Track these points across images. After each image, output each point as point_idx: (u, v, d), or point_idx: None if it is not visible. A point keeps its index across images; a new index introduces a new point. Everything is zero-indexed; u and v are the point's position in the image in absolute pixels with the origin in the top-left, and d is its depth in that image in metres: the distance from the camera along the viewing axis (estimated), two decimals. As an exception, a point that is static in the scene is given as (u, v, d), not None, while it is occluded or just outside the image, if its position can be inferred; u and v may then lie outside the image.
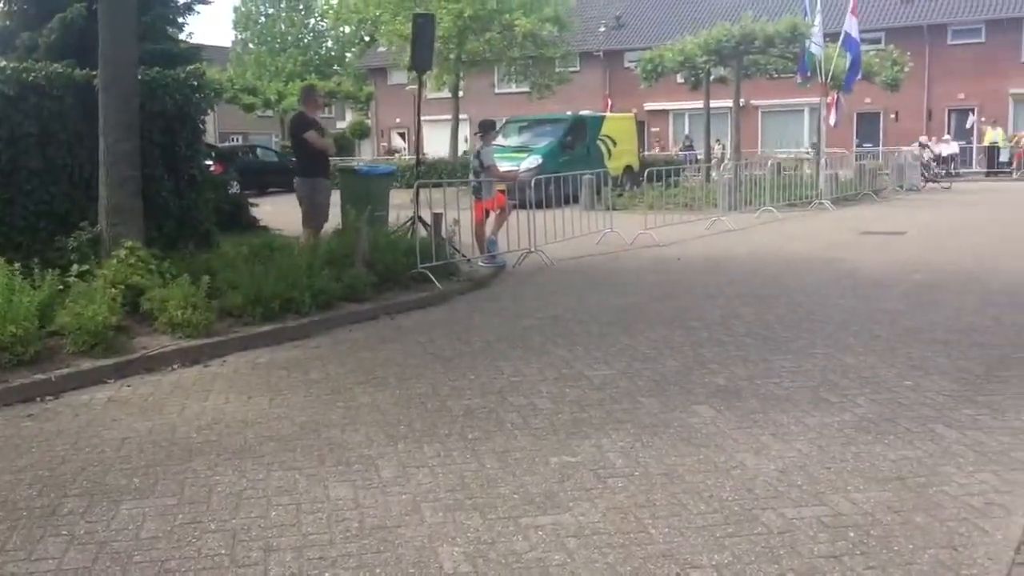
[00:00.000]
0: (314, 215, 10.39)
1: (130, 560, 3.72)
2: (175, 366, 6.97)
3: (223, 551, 3.80)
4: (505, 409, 5.69)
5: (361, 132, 47.61)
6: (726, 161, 27.96)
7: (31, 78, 9.03)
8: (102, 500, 4.36)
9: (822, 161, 22.03)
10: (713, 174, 24.85)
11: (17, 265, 7.11)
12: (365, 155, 45.20)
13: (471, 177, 12.60)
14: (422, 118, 12.71)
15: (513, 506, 4.20)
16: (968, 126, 36.17)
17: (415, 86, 13.68)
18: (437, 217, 11.00)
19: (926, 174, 26.59)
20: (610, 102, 38.92)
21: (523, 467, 4.69)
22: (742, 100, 27.51)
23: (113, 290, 7.48)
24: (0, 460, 4.95)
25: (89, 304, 7.05)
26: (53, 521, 4.13)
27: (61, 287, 7.38)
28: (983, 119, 35.36)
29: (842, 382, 6.10)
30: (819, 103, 22.41)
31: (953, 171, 30.80)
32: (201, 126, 11.17)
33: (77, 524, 4.09)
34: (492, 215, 12.26)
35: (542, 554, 3.71)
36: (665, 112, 42.04)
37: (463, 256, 11.39)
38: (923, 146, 29.22)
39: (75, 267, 7.82)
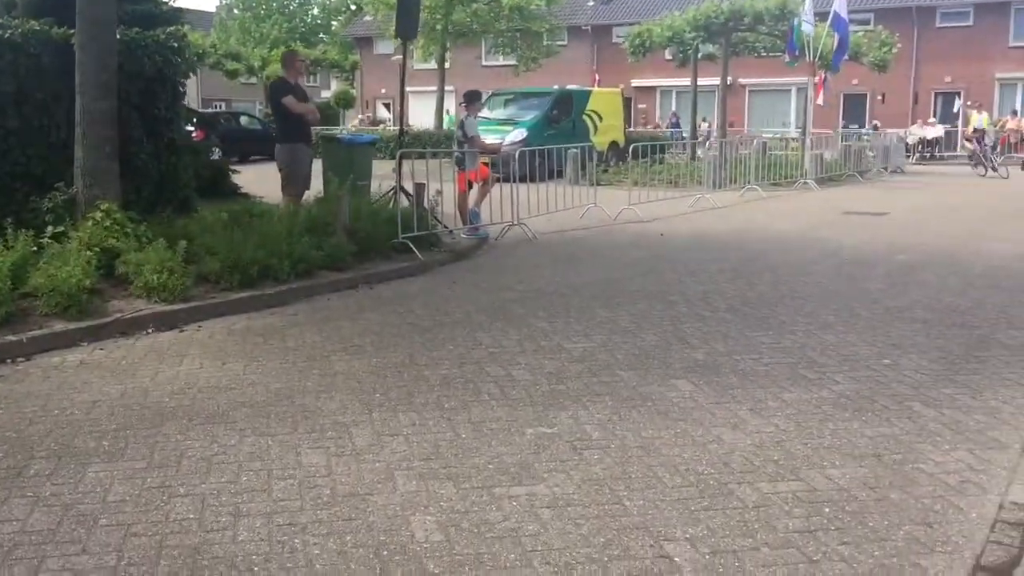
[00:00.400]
0: (293, 181, 10.26)
1: (96, 523, 3.66)
2: (150, 330, 6.87)
3: (191, 516, 3.74)
4: (482, 380, 5.64)
5: (346, 102, 47.11)
6: (712, 139, 27.91)
7: (7, 35, 8.84)
8: (69, 462, 4.28)
9: (807, 141, 22.00)
10: (699, 152, 24.78)
11: (-10, 225, 6.99)
12: (350, 125, 44.84)
13: (454, 148, 12.49)
14: (407, 89, 12.56)
15: (487, 476, 4.15)
16: (955, 110, 36.21)
17: (401, 56, 13.48)
18: (419, 187, 10.89)
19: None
20: (597, 77, 38.75)
21: (499, 437, 4.64)
22: (729, 79, 27.43)
23: (88, 252, 7.36)
24: (-33, 421, 4.87)
25: (63, 266, 6.95)
26: (18, 482, 4.05)
27: (35, 248, 7.27)
28: (969, 103, 35.40)
29: (821, 359, 6.09)
30: (806, 83, 22.33)
31: (937, 155, 30.87)
32: (182, 90, 10.98)
33: (43, 486, 4.02)
34: (475, 187, 12.16)
35: (515, 524, 3.67)
36: (652, 89, 41.86)
37: (445, 227, 11.30)
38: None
39: (50, 229, 7.71)
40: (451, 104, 35.86)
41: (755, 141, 21.71)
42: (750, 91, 39.88)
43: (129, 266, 7.46)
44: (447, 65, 33.48)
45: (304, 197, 10.59)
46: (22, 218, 7.79)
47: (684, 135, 30.27)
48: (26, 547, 3.46)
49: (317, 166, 11.40)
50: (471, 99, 12.32)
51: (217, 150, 18.14)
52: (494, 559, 3.39)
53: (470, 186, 12.06)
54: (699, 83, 26.11)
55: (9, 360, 6.03)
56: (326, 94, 50.79)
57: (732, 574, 3.28)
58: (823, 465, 4.28)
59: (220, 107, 44.63)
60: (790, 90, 37.54)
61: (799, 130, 26.90)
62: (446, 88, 33.88)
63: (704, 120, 33.69)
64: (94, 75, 8.19)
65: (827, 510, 3.79)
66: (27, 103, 8.85)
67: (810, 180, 20.45)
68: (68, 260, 7.08)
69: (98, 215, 7.78)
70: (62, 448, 4.47)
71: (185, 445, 4.53)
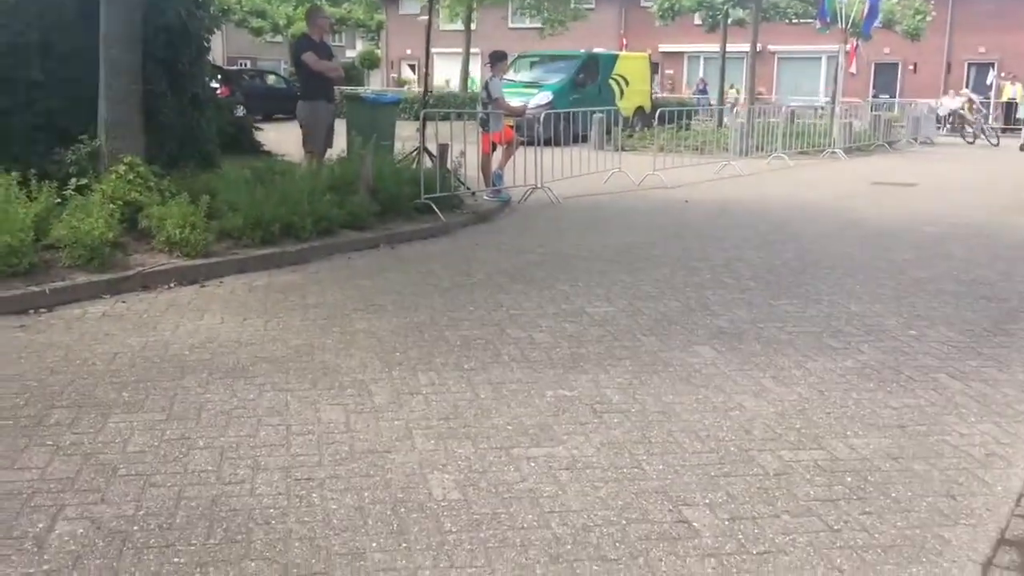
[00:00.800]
0: (312, 139, 10.20)
1: (115, 473, 3.67)
2: (171, 284, 6.88)
3: (210, 468, 3.74)
4: (503, 341, 5.60)
5: (371, 62, 46.91)
6: (739, 106, 27.55)
7: (31, -14, 8.78)
8: (90, 412, 4.29)
9: (837, 110, 21.68)
10: (725, 119, 24.49)
11: (15, 175, 6.98)
12: (374, 86, 44.61)
13: (479, 109, 12.38)
14: (433, 50, 12.42)
15: (506, 437, 4.13)
16: (988, 82, 35.54)
17: (427, 16, 13.34)
18: (443, 148, 10.82)
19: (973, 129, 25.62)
20: (625, 41, 38.30)
21: (518, 399, 4.61)
22: (759, 45, 27.01)
23: (111, 205, 7.35)
24: (-11, 369, 4.90)
25: (86, 218, 6.94)
26: (39, 431, 4.07)
27: (58, 200, 7.25)
28: (1003, 74, 34.74)
29: (846, 329, 6.01)
30: (837, 51, 21.95)
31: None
32: (206, 45, 10.92)
33: (63, 435, 4.03)
34: (499, 149, 12.06)
35: (533, 485, 3.65)
36: (680, 54, 41.38)
37: (468, 189, 11.23)
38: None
39: (73, 181, 7.68)
40: (476, 67, 35.58)
41: (783, 108, 21.40)
42: (779, 58, 39.35)
43: (152, 220, 7.45)
44: (473, 27, 33.18)
45: (327, 156, 10.55)
46: (45, 170, 7.76)
47: (711, 102, 29.89)
48: (45, 495, 3.47)
49: (341, 126, 11.34)
50: (496, 60, 12.16)
51: (241, 107, 18.06)
52: (511, 519, 3.37)
53: (494, 148, 11.96)
54: (728, 49, 25.75)
55: (32, 311, 6.05)
56: (351, 54, 50.58)
57: (751, 540, 3.24)
58: (846, 435, 4.22)
59: (245, 65, 44.48)
60: (820, 58, 37.01)
61: (828, 99, 26.51)
62: (471, 50, 33.60)
63: (732, 87, 33.25)
64: (118, 27, 8.14)
65: (849, 479, 3.74)
66: (51, 55, 8.81)
67: (838, 149, 20.18)
68: (91, 212, 7.07)
69: (121, 168, 7.76)
70: (83, 398, 4.48)
71: (205, 398, 4.53)
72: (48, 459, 3.78)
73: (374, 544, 3.17)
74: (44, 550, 3.08)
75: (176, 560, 3.04)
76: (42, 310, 6.09)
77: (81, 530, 3.21)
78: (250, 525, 3.28)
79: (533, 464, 3.85)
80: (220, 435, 4.08)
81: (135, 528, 3.24)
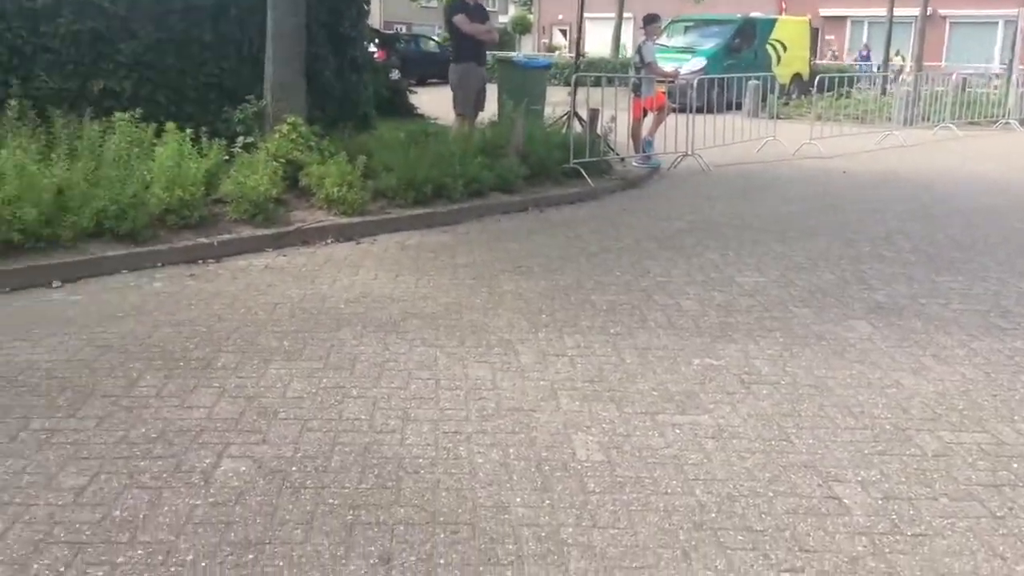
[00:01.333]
0: (461, 101, 10.27)
1: (275, 416, 3.86)
2: (328, 240, 7.14)
3: (363, 416, 3.89)
4: (650, 308, 5.56)
5: (522, 27, 46.98)
6: (904, 74, 26.17)
7: (205, -50, 9.18)
8: (253, 358, 4.52)
9: (1014, 78, 20.28)
10: (889, 87, 23.31)
11: (189, 132, 7.37)
12: (525, 51, 44.67)
13: (631, 73, 12.22)
14: (585, 15, 12.32)
15: (651, 402, 4.11)
16: None
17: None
18: (594, 113, 10.75)
19: None
20: (784, 5, 36.90)
21: (664, 365, 4.58)
22: (930, 8, 25.52)
23: (275, 163, 7.67)
24: (162, 313, 5.22)
25: (252, 175, 7.29)
26: (207, 373, 4.32)
27: (227, 158, 7.63)
28: None
29: (1016, 308, 5.66)
30: (1016, 15, 20.49)
31: None
32: (366, 8, 11.18)
33: (228, 378, 4.27)
34: (650, 115, 11.89)
35: (678, 451, 3.62)
36: (843, 19, 39.56)
37: (617, 155, 11.13)
38: None
39: (240, 139, 8.06)
40: (628, 33, 35.08)
41: (954, 75, 20.17)
42: (951, 23, 37.07)
43: (312, 178, 7.73)
44: (627, -10, 32.68)
45: (478, 119, 10.65)
46: (215, 128, 8.16)
47: (875, 69, 28.49)
48: (211, 433, 3.69)
49: (492, 90, 11.41)
50: (650, 23, 11.95)
51: (396, 71, 18.44)
52: (655, 484, 3.36)
53: (645, 114, 11.80)
54: (895, 13, 24.43)
55: (201, 261, 6.41)
56: (503, 19, 50.78)
57: (907, 521, 3.12)
58: (1013, 419, 4.00)
59: (400, 30, 45.32)
60: (997, 23, 34.65)
61: (1004, 66, 24.82)
62: (624, 15, 33.13)
63: (897, 53, 31.57)
64: (285, -9, 8.42)
65: (1016, 465, 3.55)
66: (222, 17, 9.20)
67: (1013, 120, 18.91)
68: (256, 170, 7.42)
69: (285, 128, 8.07)
70: (247, 344, 4.73)
71: (359, 350, 4.70)
72: (215, 400, 4.02)
73: (518, 499, 3.23)
74: (210, 484, 3.28)
75: (331, 501, 3.18)
76: (210, 261, 6.44)
77: (244, 468, 3.40)
78: (400, 473, 3.39)
79: (678, 431, 3.82)
80: (372, 386, 4.23)
81: (293, 469, 3.40)
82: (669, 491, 3.31)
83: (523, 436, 3.73)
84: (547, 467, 3.47)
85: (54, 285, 5.72)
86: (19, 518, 3.00)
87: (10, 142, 6.53)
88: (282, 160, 7.78)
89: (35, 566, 2.75)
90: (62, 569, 2.74)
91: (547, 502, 3.21)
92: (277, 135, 8.02)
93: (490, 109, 11.13)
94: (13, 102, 6.95)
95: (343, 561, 2.83)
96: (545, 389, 4.24)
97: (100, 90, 8.34)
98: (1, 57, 7.68)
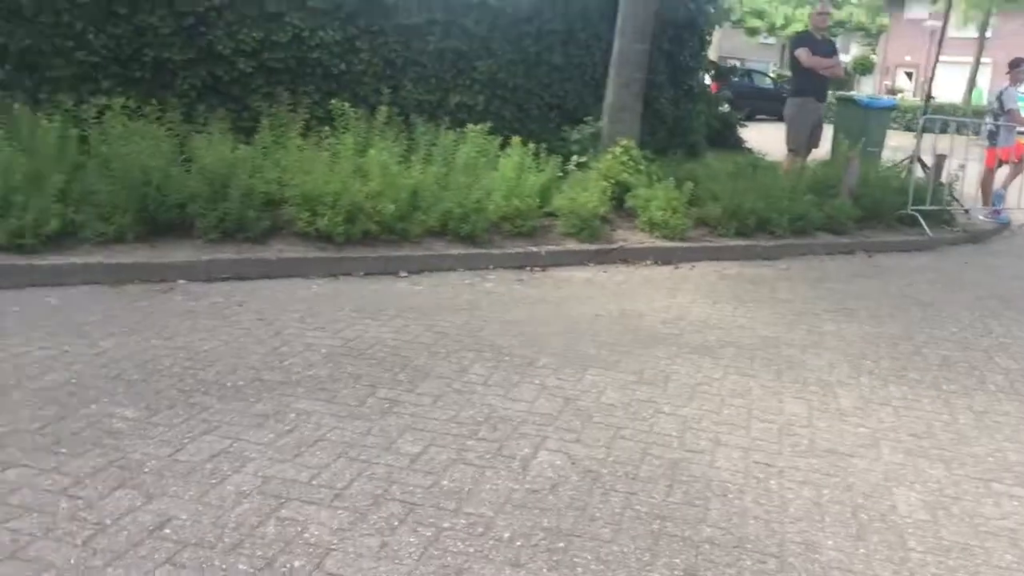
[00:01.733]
0: (794, 136, 9.99)
1: (590, 419, 3.99)
2: (648, 262, 7.25)
3: (673, 433, 3.91)
4: (990, 369, 5.12)
5: (864, 68, 44.85)
6: None
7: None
8: (572, 362, 4.70)
9: None
10: None
11: (530, 148, 7.80)
12: (865, 92, 42.63)
13: (987, 120, 11.30)
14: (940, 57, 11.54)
15: (986, 468, 3.78)
16: None
17: (934, 21, 12.40)
18: (940, 159, 10.05)
19: None
20: None
21: (1004, 432, 4.19)
22: None
23: (604, 183, 7.93)
24: (492, 311, 5.56)
25: (582, 192, 7.58)
26: (529, 371, 4.55)
27: (560, 174, 7.99)
28: None
29: None
30: None
31: None
32: (707, 40, 11.25)
33: (548, 377, 4.46)
34: (1005, 166, 10.92)
35: (1015, 525, 3.31)
36: None
37: (961, 206, 10.34)
38: None
39: (575, 158, 8.40)
40: (985, 78, 32.44)
41: None
42: None
43: (638, 200, 7.89)
44: (988, 33, 30.26)
45: (810, 156, 10.32)
46: (552, 145, 8.57)
47: None
48: (531, 425, 3.88)
49: (828, 129, 11.02)
50: (1016, 66, 10.98)
51: (727, 103, 18.32)
52: (986, 555, 3.09)
53: (999, 164, 10.86)
54: None
55: (528, 268, 6.76)
56: (844, 58, 48.79)
57: None
58: None
59: (736, 64, 44.97)
60: None
61: None
62: (982, 60, 30.70)
63: None
64: (634, 19, 8.68)
65: None
66: (572, 42, 9.66)
67: None
68: (587, 187, 7.71)
69: (617, 150, 8.31)
70: (566, 349, 4.92)
71: (672, 369, 4.73)
72: (535, 395, 4.22)
73: (830, 542, 3.11)
74: (527, 471, 3.45)
75: (638, 508, 3.23)
76: (536, 268, 6.78)
77: (559, 461, 3.55)
78: (707, 494, 3.38)
79: (1015, 503, 3.49)
80: (684, 405, 4.24)
81: (604, 471, 3.50)
82: (1003, 566, 3.03)
83: (839, 480, 3.58)
84: (864, 515, 3.30)
85: (401, 275, 6.29)
86: (362, 473, 3.34)
87: (378, 143, 7.26)
88: (611, 180, 8.02)
89: (373, 517, 3.04)
90: (396, 524, 3.01)
91: (862, 550, 3.06)
92: (609, 156, 8.28)
93: (824, 148, 10.76)
94: (383, 108, 7.71)
95: (648, 568, 2.87)
96: (865, 436, 4.04)
97: (456, 103, 9.04)
98: (377, 68, 8.55)
